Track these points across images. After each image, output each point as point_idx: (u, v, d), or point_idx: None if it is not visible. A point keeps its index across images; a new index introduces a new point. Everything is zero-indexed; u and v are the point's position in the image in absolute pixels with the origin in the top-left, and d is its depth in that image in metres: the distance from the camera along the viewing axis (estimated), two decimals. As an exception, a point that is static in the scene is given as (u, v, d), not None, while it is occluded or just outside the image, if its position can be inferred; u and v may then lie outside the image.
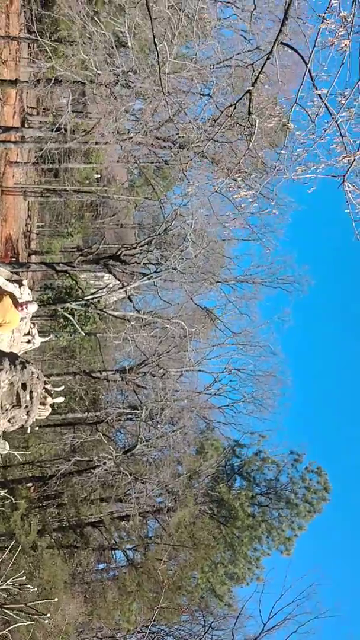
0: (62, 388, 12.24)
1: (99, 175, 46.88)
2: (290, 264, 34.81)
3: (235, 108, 8.60)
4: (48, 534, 25.15)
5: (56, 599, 14.91)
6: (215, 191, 10.99)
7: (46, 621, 13.99)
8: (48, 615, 12.81)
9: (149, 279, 28.73)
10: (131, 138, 28.88)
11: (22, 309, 10.79)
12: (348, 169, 6.61)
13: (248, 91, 7.85)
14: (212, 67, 22.78)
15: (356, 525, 50.52)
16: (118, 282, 35.09)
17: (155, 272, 28.29)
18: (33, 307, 11.33)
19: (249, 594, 30.55)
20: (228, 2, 26.68)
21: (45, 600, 11.94)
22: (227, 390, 36.67)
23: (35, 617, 12.88)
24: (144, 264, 32.92)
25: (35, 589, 12.03)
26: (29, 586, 11.31)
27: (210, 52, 25.94)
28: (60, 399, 12.04)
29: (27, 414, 10.48)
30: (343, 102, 6.53)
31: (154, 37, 10.24)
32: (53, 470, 28.62)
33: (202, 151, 27.41)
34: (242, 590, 32.06)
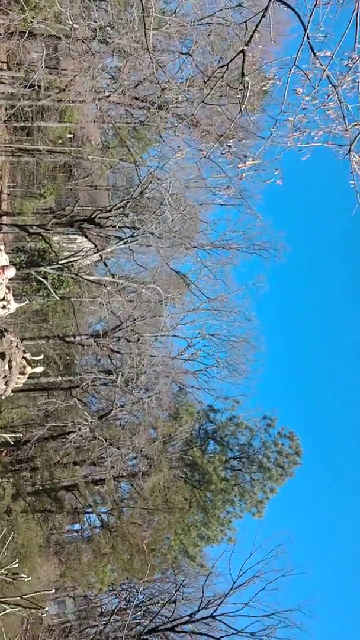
0: (41, 357, 11.97)
1: (72, 135, 45.54)
2: (266, 230, 34.59)
3: (227, 68, 8.23)
4: (22, 498, 25.16)
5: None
6: (205, 156, 10.52)
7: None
8: (28, 577, 12.75)
9: (124, 242, 28.27)
10: (108, 97, 28.01)
11: (2, 274, 10.43)
12: (355, 138, 6.36)
13: (242, 50, 7.48)
14: (192, 23, 22.03)
15: (326, 488, 51.88)
16: (92, 245, 34.54)
17: (132, 236, 27.84)
18: (11, 272, 10.95)
19: (220, 553, 31.32)
20: None
21: (36, 593, 11.77)
22: (201, 355, 36.78)
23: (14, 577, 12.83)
24: (119, 227, 32.37)
25: (29, 577, 11.88)
26: (22, 575, 11.21)
27: (188, 9, 25.15)
28: (40, 369, 11.79)
29: (6, 384, 10.23)
30: (350, 64, 6.25)
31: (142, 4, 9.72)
32: (27, 435, 28.46)
33: (187, 114, 26.81)
34: (213, 549, 32.81)
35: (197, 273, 36.97)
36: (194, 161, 31.80)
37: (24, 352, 10.68)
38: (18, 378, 10.56)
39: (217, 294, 36.63)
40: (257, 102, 23.81)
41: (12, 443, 20.64)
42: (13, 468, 31.32)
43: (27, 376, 10.85)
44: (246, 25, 7.88)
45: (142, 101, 30.20)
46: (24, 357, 10.61)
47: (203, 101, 9.28)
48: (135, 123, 37.35)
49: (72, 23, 21.25)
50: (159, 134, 35.04)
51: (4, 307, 12.35)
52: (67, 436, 25.18)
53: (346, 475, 52.28)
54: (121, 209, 32.71)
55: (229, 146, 8.48)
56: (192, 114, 29.04)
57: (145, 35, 9.99)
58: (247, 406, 34.12)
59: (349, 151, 6.33)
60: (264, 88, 7.35)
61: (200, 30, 24.46)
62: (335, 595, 47.40)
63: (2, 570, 10.54)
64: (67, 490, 28.46)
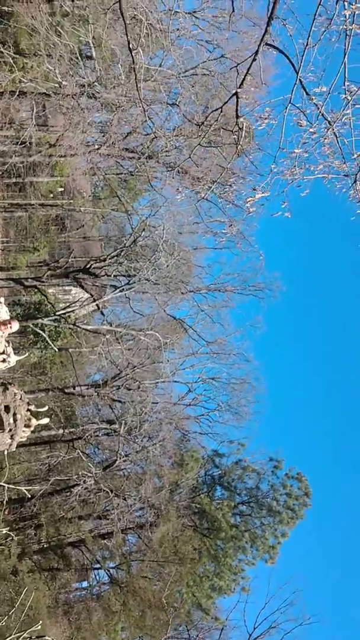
0: (45, 408, 11.75)
1: (62, 189, 46.33)
2: (260, 271, 34.83)
3: (222, 112, 8.38)
4: (28, 558, 24.41)
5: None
6: (204, 197, 10.59)
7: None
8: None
9: (121, 291, 28.33)
10: (97, 149, 28.56)
11: (7, 328, 10.32)
12: None
13: (235, 93, 7.62)
14: (178, 75, 22.66)
15: (337, 527, 50.64)
16: (88, 295, 34.61)
17: (128, 283, 27.92)
18: (15, 325, 10.87)
19: (233, 604, 30.28)
20: (189, 13, 26.71)
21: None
22: (203, 399, 36.50)
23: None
24: (114, 276, 32.54)
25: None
26: (47, 638, 10.73)
27: (169, 62, 25.91)
28: (45, 420, 11.57)
29: (12, 437, 10.00)
30: (349, 97, 6.36)
31: (129, 42, 9.97)
32: (30, 491, 27.81)
33: (176, 162, 27.33)
34: (226, 600, 31.72)
35: (193, 317, 37.09)
36: (186, 206, 32.32)
37: (28, 403, 10.49)
38: (23, 431, 10.34)
39: (215, 337, 36.63)
40: (251, 143, 24.26)
41: (28, 496, 20.08)
42: (17, 526, 30.54)
43: (32, 429, 10.62)
44: (237, 70, 8.07)
45: (132, 152, 30.81)
46: (28, 409, 10.42)
47: (199, 143, 9.41)
48: (124, 174, 38.07)
49: (60, 80, 21.84)
50: (149, 183, 35.66)
51: (4, 360, 12.19)
52: (71, 490, 24.62)
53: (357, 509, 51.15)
54: (115, 257, 32.98)
55: (230, 185, 8.53)
56: (189, 157, 29.62)
57: (137, 85, 10.18)
58: (252, 448, 33.72)
59: (355, 181, 6.41)
60: (260, 127, 7.44)
61: (184, 82, 25.17)
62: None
63: (25, 634, 10.06)
64: (74, 546, 27.67)
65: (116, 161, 33.35)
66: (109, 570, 25.69)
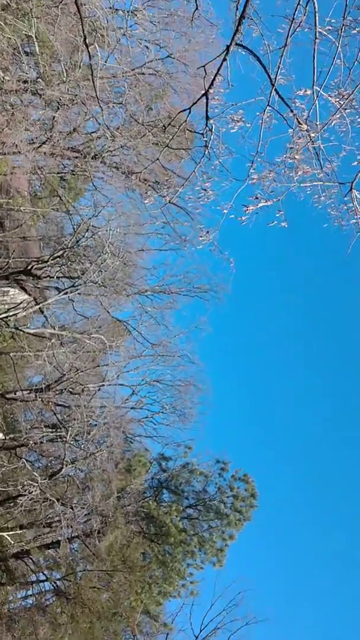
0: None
1: (-1, 187, 44.96)
2: (205, 273, 34.80)
3: (190, 113, 8.06)
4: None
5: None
6: (170, 202, 10.24)
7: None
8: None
9: (65, 293, 27.59)
10: (39, 147, 27.70)
11: None
12: (356, 176, 6.26)
13: (204, 94, 7.34)
14: (124, 74, 22.24)
15: (284, 529, 51.30)
16: (26, 297, 33.59)
17: (73, 286, 27.21)
18: None
19: (179, 608, 30.12)
20: (131, 12, 26.32)
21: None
22: (147, 402, 36.19)
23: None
24: (57, 277, 31.71)
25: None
26: None
27: (112, 61, 25.45)
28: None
29: None
30: (341, 102, 6.19)
31: (85, 37, 9.52)
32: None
33: (121, 162, 26.88)
34: (171, 604, 31.50)
35: (137, 319, 36.73)
36: (130, 207, 31.90)
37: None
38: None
39: (159, 339, 36.41)
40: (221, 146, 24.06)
41: None
42: None
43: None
44: (205, 70, 7.80)
45: (75, 151, 30.07)
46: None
47: (167, 145, 9.06)
48: (65, 173, 37.25)
49: (2, 75, 20.98)
50: (91, 183, 35.02)
51: None
52: (15, 500, 23.72)
53: (302, 511, 52.05)
54: (57, 258, 32.18)
55: (204, 190, 8.23)
56: (157, 159, 29.24)
57: (93, 80, 9.76)
58: (198, 450, 33.57)
59: (351, 189, 6.23)
60: (232, 130, 7.20)
61: (130, 81, 24.75)
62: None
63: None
64: (17, 557, 26.72)
65: (59, 161, 32.53)
66: (55, 582, 24.94)
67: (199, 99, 7.61)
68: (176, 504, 28.24)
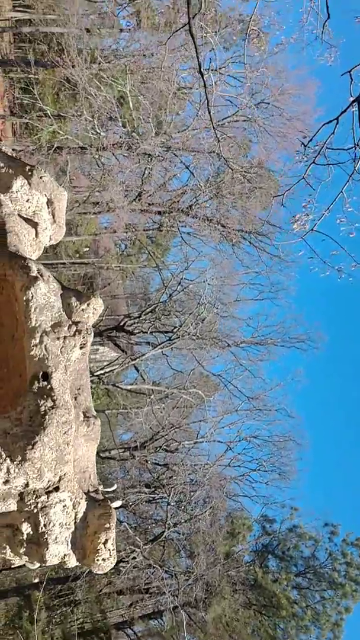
0: (115, 487, 10.11)
1: (87, 248, 45.93)
2: (301, 322, 33.34)
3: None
4: (71, 645, 22.15)
5: None
6: (312, 230, 9.20)
7: None
8: None
9: (161, 347, 26.95)
10: (131, 203, 27.79)
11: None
12: None
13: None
14: (218, 123, 21.94)
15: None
16: (117, 354, 33.25)
17: (169, 339, 26.52)
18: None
19: None
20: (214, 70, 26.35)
21: None
22: (244, 459, 34.43)
23: None
24: (150, 332, 31.27)
25: None
26: None
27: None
28: (118, 503, 9.90)
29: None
30: None
31: (200, 65, 8.95)
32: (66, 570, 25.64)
33: (211, 214, 26.48)
34: None
35: (230, 372, 35.46)
36: (222, 259, 31.29)
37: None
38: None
39: (255, 392, 34.90)
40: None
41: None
42: (52, 603, 28.28)
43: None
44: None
45: (163, 206, 30.02)
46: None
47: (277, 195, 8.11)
48: (153, 229, 37.41)
49: (99, 131, 21.18)
50: (180, 237, 34.83)
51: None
52: (119, 567, 22.50)
53: None
54: (149, 313, 31.91)
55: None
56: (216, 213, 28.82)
57: (209, 109, 9.12)
58: (301, 510, 31.29)
59: None
60: None
61: (221, 131, 24.48)
62: None
63: None
64: (119, 628, 25.29)
65: (149, 217, 32.65)
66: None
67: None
68: (284, 571, 26.02)
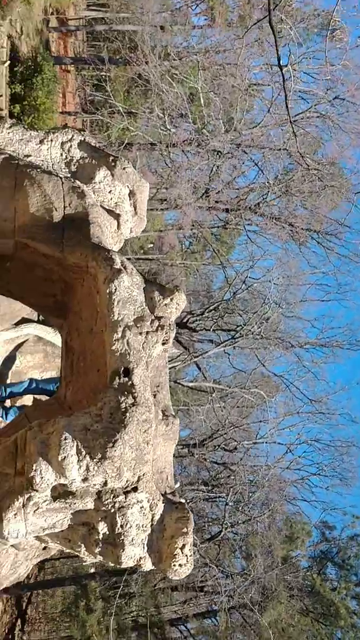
0: (177, 486, 10.06)
1: (152, 245, 46.25)
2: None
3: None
4: (126, 638, 22.34)
5: None
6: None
7: None
8: None
9: (224, 345, 26.77)
10: (198, 199, 27.71)
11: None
12: None
13: None
14: (292, 119, 21.49)
15: None
16: (178, 351, 33.26)
17: (232, 338, 26.31)
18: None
19: None
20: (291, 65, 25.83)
21: None
22: (304, 462, 33.82)
23: None
24: (213, 330, 31.12)
25: None
26: None
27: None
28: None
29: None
30: None
31: (279, 58, 8.73)
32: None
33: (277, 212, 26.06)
34: None
35: (292, 373, 34.89)
36: (289, 258, 30.80)
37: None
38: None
39: (317, 395, 34.23)
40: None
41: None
42: (108, 594, 28.61)
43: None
44: None
45: (229, 203, 29.80)
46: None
47: None
48: (219, 226, 37.21)
49: (168, 128, 21.18)
50: (246, 235, 34.48)
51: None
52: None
53: None
54: (213, 311, 31.76)
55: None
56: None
57: (287, 103, 8.89)
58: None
59: None
60: None
61: (294, 126, 23.99)
62: None
63: None
64: (172, 624, 25.33)
65: (215, 214, 32.51)
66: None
67: None
68: (344, 580, 25.37)
